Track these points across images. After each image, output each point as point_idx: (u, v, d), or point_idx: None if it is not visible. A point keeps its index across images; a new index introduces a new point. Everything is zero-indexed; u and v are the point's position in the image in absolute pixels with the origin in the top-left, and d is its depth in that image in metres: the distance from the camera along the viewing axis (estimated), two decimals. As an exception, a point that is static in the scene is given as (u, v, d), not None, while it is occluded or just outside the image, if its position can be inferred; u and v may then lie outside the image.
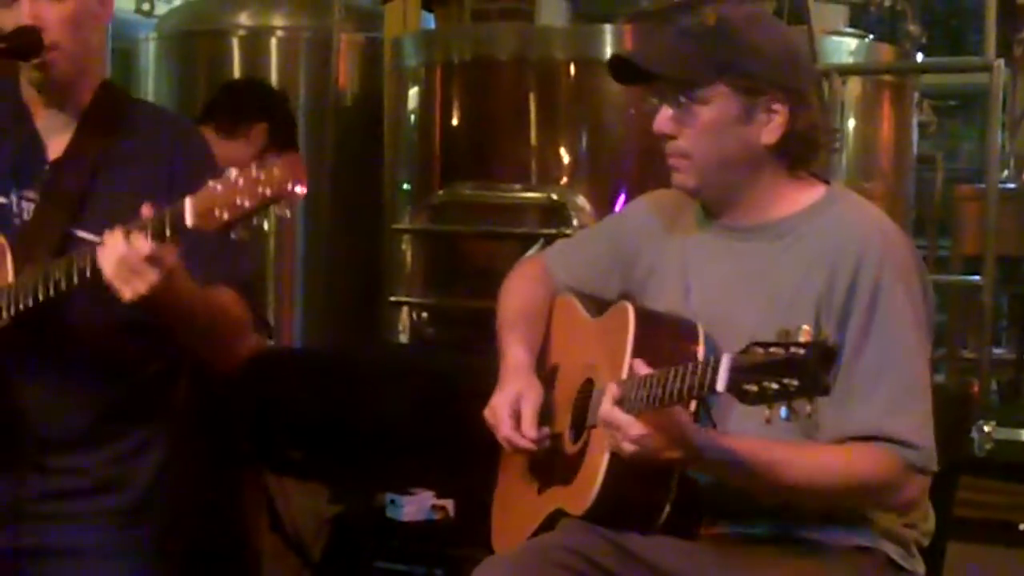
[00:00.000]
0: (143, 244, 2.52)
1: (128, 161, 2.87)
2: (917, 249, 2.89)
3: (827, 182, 2.90)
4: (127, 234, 2.53)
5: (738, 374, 2.35)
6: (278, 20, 6.24)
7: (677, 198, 2.98)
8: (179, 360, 3.05)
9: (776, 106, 2.75)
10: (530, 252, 4.57)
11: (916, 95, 5.79)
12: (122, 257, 2.54)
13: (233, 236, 2.51)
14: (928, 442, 2.70)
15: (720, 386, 2.37)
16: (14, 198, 2.91)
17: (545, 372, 3.08)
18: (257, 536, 4.64)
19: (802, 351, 2.28)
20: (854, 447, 2.69)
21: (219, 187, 2.43)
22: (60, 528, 2.92)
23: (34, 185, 2.91)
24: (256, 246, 5.00)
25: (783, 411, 2.31)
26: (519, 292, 3.23)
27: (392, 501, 4.45)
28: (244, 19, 6.26)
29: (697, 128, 2.75)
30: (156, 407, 3.03)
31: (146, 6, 7.76)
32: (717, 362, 2.39)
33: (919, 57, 5.88)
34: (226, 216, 2.43)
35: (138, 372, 2.97)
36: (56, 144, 2.94)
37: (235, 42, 6.19)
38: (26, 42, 2.82)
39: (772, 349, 2.32)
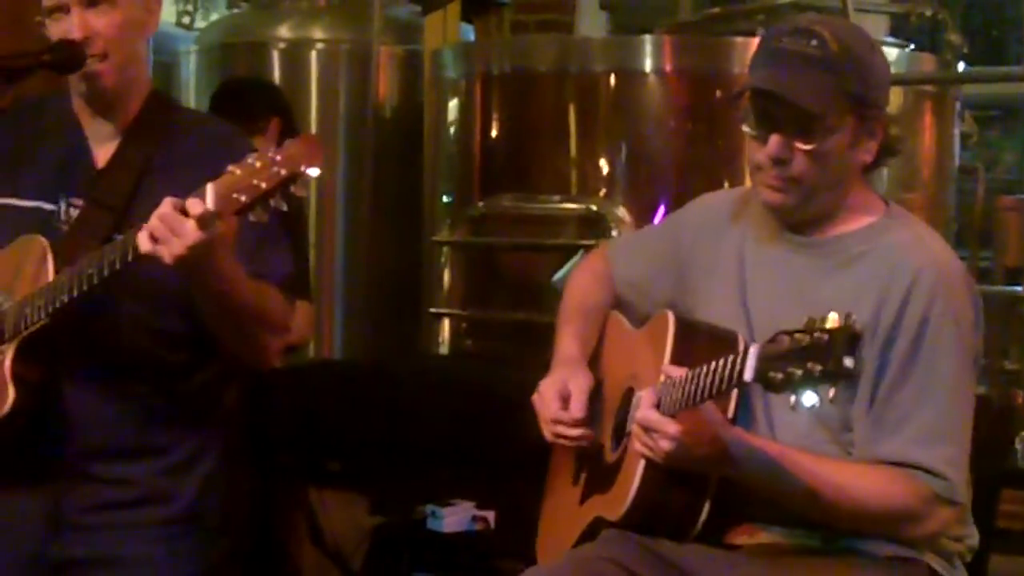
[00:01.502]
0: (195, 204, 2.53)
1: (173, 168, 2.88)
2: (972, 278, 2.88)
3: (885, 200, 2.90)
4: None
5: (765, 363, 2.36)
6: (318, 32, 6.26)
7: (738, 200, 2.99)
8: (227, 370, 3.06)
9: (877, 127, 2.76)
10: (572, 261, 4.56)
11: (958, 105, 5.76)
12: (161, 215, 2.56)
13: (252, 218, 2.53)
14: (958, 476, 2.70)
15: (748, 375, 2.39)
16: (62, 205, 2.95)
17: (592, 386, 3.08)
18: (298, 548, 4.65)
19: (826, 336, 2.29)
20: (884, 469, 2.69)
21: (238, 171, 2.48)
22: (107, 538, 2.94)
23: (81, 193, 2.94)
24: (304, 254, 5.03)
25: (807, 396, 2.32)
26: (580, 289, 3.26)
27: (432, 512, 4.45)
28: (284, 31, 6.28)
29: (815, 156, 2.71)
30: (204, 418, 3.03)
31: (186, 19, 7.79)
32: (746, 353, 2.41)
33: (960, 67, 5.85)
34: (244, 199, 2.47)
35: (185, 381, 2.98)
36: (104, 152, 2.97)
37: (275, 55, 6.21)
38: (68, 55, 2.85)
39: (798, 335, 2.33)
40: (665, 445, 2.62)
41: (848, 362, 2.28)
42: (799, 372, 2.31)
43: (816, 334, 2.31)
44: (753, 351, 2.40)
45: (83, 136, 2.99)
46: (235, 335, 2.90)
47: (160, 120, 3.00)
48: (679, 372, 2.66)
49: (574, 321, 3.19)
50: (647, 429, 2.66)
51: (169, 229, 2.55)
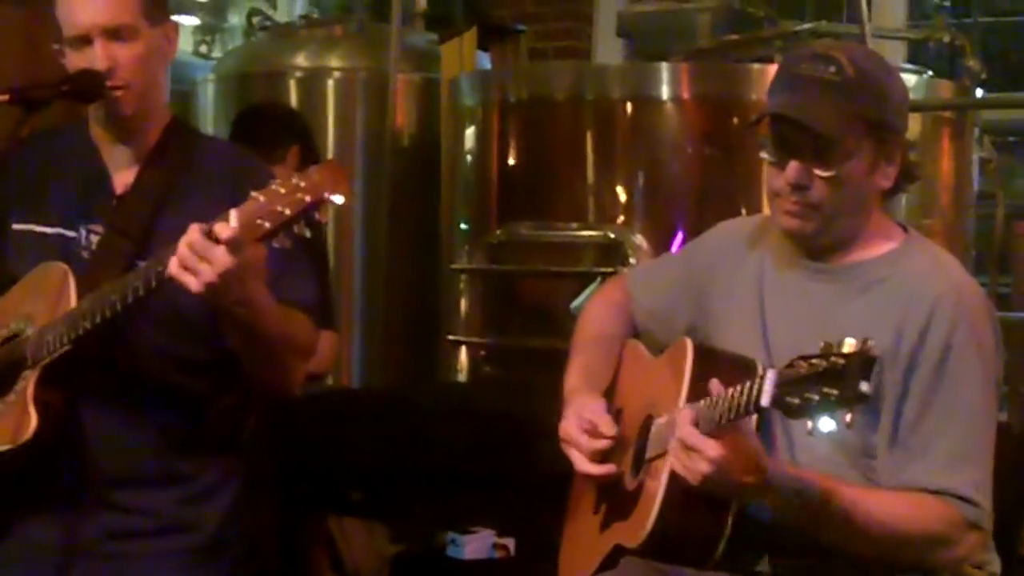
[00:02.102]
0: (223, 228, 2.52)
1: (193, 194, 2.90)
2: (991, 303, 2.87)
3: (905, 227, 2.89)
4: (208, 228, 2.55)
5: (782, 388, 2.35)
6: (335, 61, 6.28)
7: (756, 227, 2.99)
8: (249, 398, 3.05)
9: (896, 153, 2.76)
10: (589, 288, 4.56)
11: (976, 131, 5.76)
12: (189, 242, 2.55)
13: (275, 244, 2.53)
14: (987, 502, 2.69)
15: (765, 401, 2.37)
16: (82, 232, 2.96)
17: (610, 414, 3.07)
18: (318, 576, 4.64)
19: (842, 361, 2.28)
20: (914, 495, 2.68)
21: (262, 198, 2.47)
22: (127, 567, 2.93)
23: (101, 219, 2.95)
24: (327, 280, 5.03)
25: (824, 421, 2.31)
26: (594, 319, 3.25)
27: (453, 540, 4.44)
28: (301, 60, 6.30)
29: (833, 181, 2.70)
30: (226, 446, 3.03)
31: (204, 48, 7.83)
32: (763, 378, 2.40)
33: (979, 93, 5.85)
34: (267, 225, 2.47)
35: (207, 409, 2.98)
36: (123, 179, 2.99)
37: (292, 83, 6.23)
38: (88, 85, 2.87)
39: (814, 361, 2.32)
40: (704, 467, 2.57)
41: (864, 387, 2.27)
42: (816, 397, 2.30)
43: (832, 359, 2.30)
44: (770, 376, 2.39)
45: (102, 163, 3.01)
46: (263, 361, 2.89)
47: (179, 147, 3.02)
48: (718, 389, 2.62)
49: (584, 352, 3.18)
50: (688, 448, 2.62)
51: (198, 256, 2.55)
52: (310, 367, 3.23)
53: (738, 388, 2.50)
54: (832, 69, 2.70)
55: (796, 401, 2.33)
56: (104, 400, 2.89)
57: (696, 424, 2.59)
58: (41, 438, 2.78)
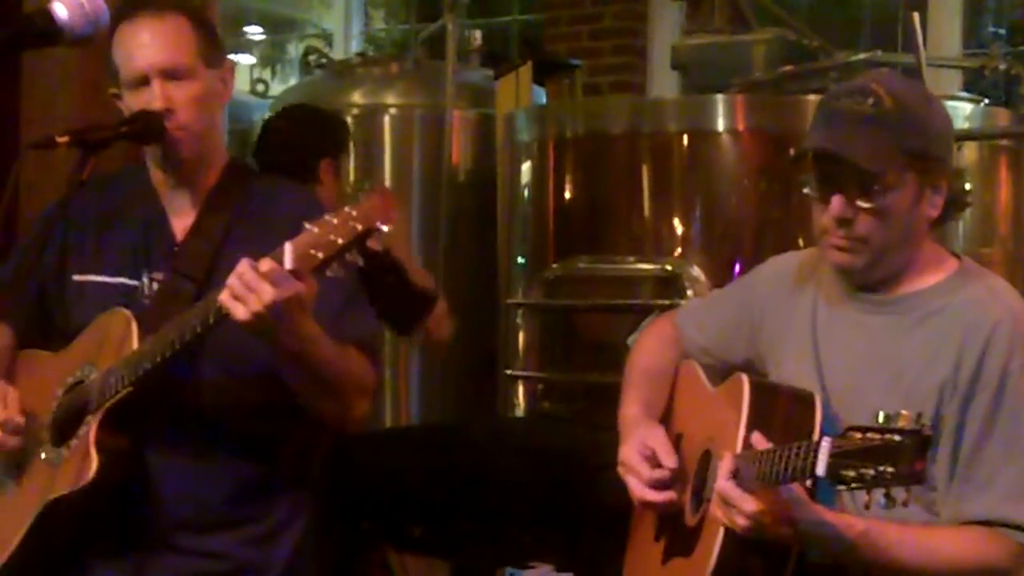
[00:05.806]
0: (263, 262, 2.57)
1: (251, 234, 2.91)
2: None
3: (957, 255, 2.88)
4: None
5: (837, 459, 2.33)
6: (391, 98, 6.31)
7: (806, 262, 2.98)
8: (314, 438, 3.06)
9: (941, 182, 2.75)
10: (646, 322, 4.55)
11: (1034, 159, 5.72)
12: (239, 273, 2.59)
13: (329, 273, 2.56)
14: None
15: (820, 470, 2.36)
16: (145, 280, 2.98)
17: (670, 439, 3.07)
18: (379, 612, 4.64)
19: (898, 437, 2.27)
20: (970, 531, 2.67)
21: (315, 229, 2.51)
22: None
23: (162, 266, 2.97)
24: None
25: (881, 499, 2.30)
26: (646, 351, 3.27)
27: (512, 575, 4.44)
28: (357, 97, 6.33)
29: (879, 214, 2.71)
30: (292, 486, 3.04)
31: (261, 87, 7.87)
32: (817, 446, 2.38)
33: (1036, 121, 5.80)
34: (321, 255, 2.51)
35: (272, 452, 3.00)
36: (183, 223, 3.01)
37: (349, 120, 6.24)
38: (148, 127, 2.88)
39: (869, 434, 2.31)
40: (741, 521, 2.61)
41: (918, 466, 2.27)
42: (871, 472, 2.30)
43: (887, 435, 2.29)
44: (825, 446, 2.37)
45: (162, 209, 3.02)
46: (315, 392, 2.89)
47: (237, 189, 3.03)
48: (763, 444, 2.64)
49: (637, 385, 3.19)
50: (725, 502, 2.65)
51: (246, 287, 2.58)
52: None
53: (794, 452, 2.50)
54: (870, 102, 2.70)
55: (851, 473, 2.32)
56: (170, 444, 2.90)
57: (735, 474, 2.61)
58: (105, 481, 2.80)
